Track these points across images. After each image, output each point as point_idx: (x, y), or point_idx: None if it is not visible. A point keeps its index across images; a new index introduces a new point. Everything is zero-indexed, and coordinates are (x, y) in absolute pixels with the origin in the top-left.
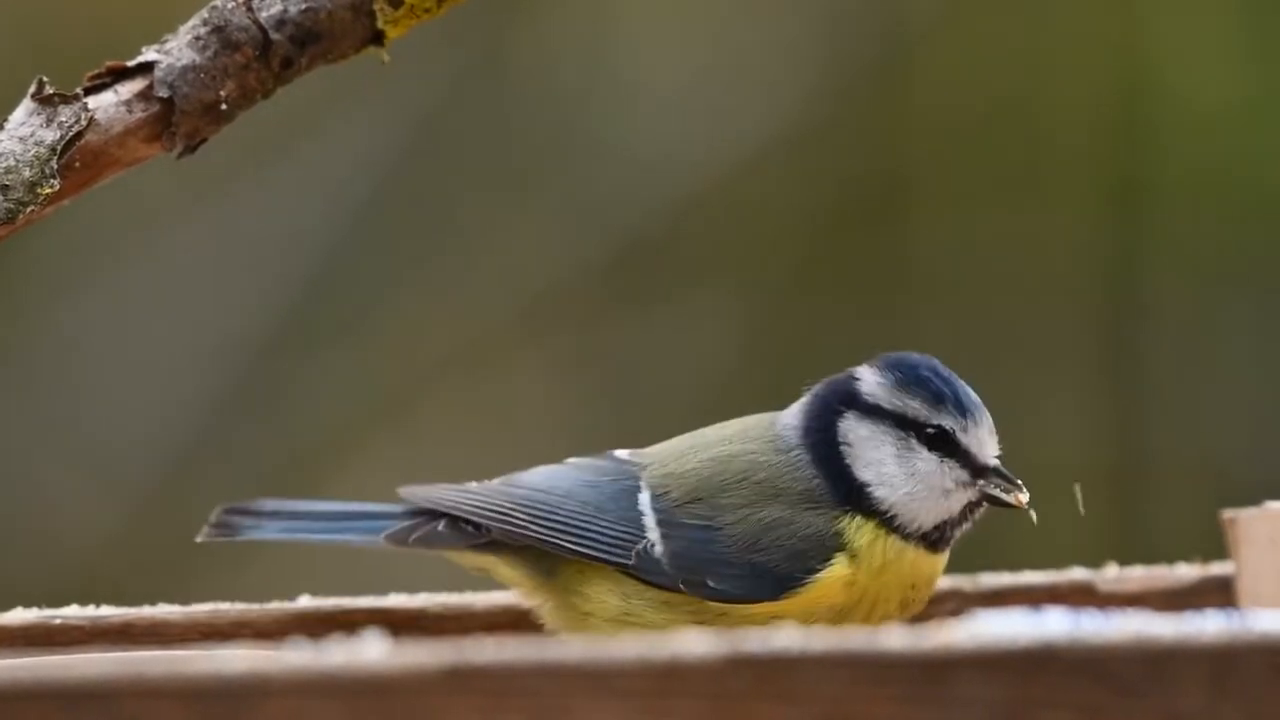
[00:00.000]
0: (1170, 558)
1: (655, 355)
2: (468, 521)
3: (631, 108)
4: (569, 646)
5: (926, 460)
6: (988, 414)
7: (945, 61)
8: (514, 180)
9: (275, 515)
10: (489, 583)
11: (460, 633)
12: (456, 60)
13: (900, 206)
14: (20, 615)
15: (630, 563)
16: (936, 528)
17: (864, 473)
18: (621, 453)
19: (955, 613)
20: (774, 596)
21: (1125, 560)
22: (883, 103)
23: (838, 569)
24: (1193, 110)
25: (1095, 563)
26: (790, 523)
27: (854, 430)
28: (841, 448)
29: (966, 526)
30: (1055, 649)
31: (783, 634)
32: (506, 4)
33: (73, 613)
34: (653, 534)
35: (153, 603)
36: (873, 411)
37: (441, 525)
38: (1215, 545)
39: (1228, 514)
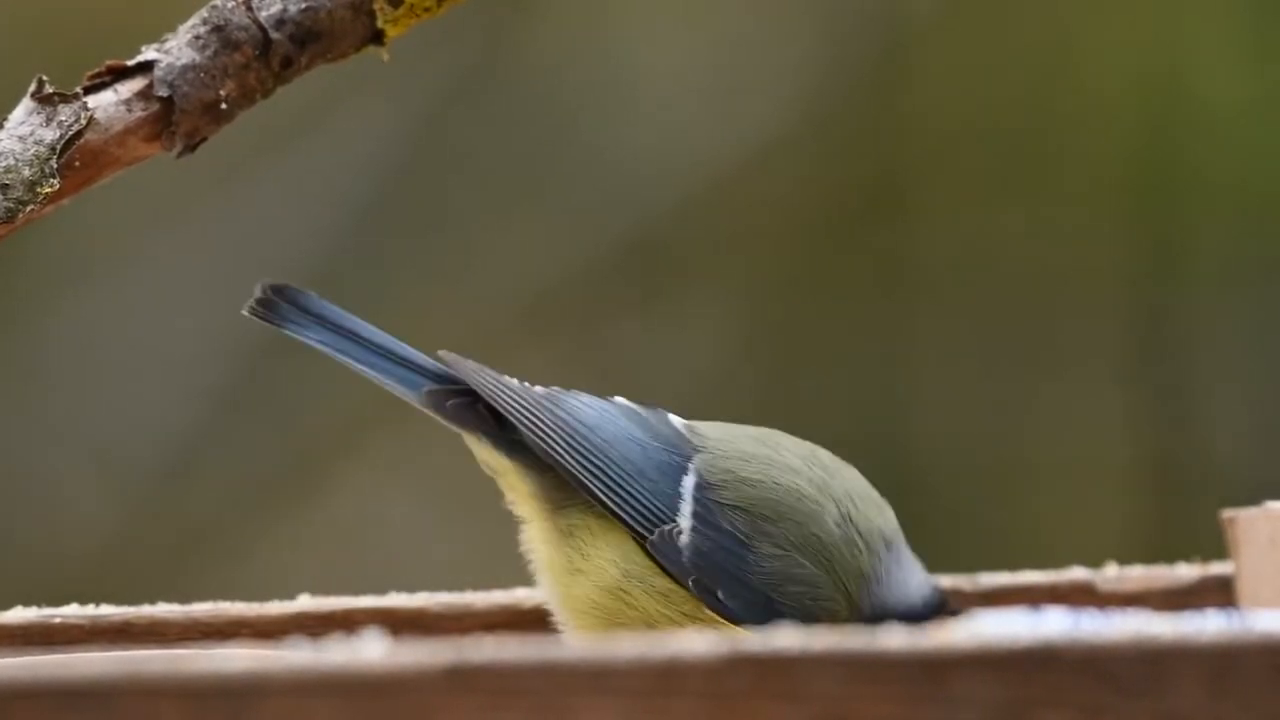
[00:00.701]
0: (1191, 556)
1: (655, 355)
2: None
3: (631, 108)
4: (569, 646)
5: None
6: None
7: (948, 60)
8: (514, 181)
9: (321, 320)
10: (489, 582)
11: (460, 632)
12: (456, 60)
13: (901, 207)
14: (20, 614)
15: (651, 538)
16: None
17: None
18: (677, 421)
19: (955, 612)
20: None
21: (1146, 559)
22: (884, 102)
23: None
24: (1209, 109)
25: (1129, 562)
26: (817, 588)
27: None
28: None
29: None
30: (1055, 649)
31: (783, 634)
32: (506, 4)
33: (72, 612)
34: (684, 521)
35: (152, 602)
36: None
37: (481, 406)
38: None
39: (1227, 514)
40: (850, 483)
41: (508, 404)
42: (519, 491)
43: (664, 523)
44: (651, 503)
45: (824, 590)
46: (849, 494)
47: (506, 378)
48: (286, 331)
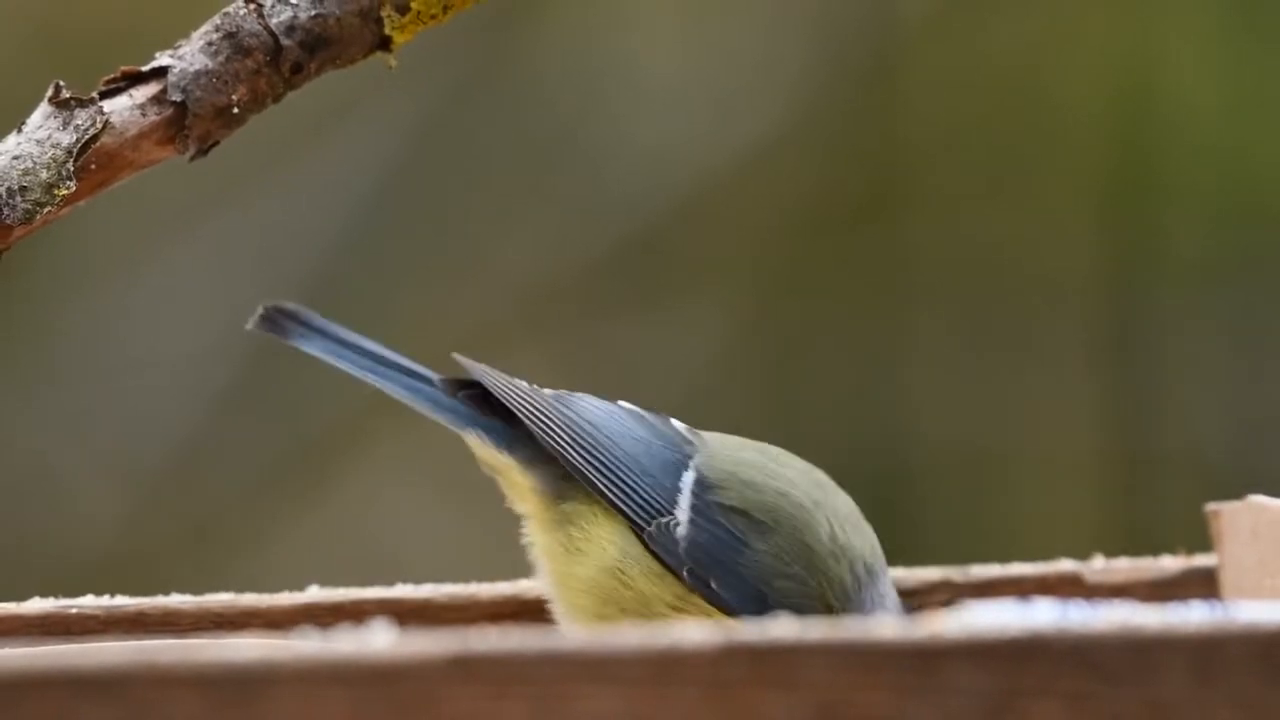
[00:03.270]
0: (1169, 549)
1: (653, 355)
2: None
3: (631, 112)
4: (570, 636)
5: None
6: None
7: (939, 62)
8: (516, 183)
9: (323, 334)
10: (493, 574)
11: (465, 622)
12: (458, 66)
13: (896, 207)
14: (38, 605)
15: (649, 529)
16: None
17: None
18: (678, 424)
19: (946, 603)
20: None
21: (1124, 551)
22: (876, 107)
23: None
24: (1183, 113)
25: (1111, 555)
26: (806, 586)
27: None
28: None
29: None
30: (1044, 638)
31: (778, 624)
32: (507, 11)
33: (88, 602)
34: (682, 515)
35: (166, 593)
36: None
37: (487, 404)
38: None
39: (1211, 507)
40: (841, 505)
41: (518, 401)
42: (520, 487)
43: (662, 515)
44: (651, 496)
45: (811, 591)
46: (839, 514)
47: (516, 380)
48: (291, 343)
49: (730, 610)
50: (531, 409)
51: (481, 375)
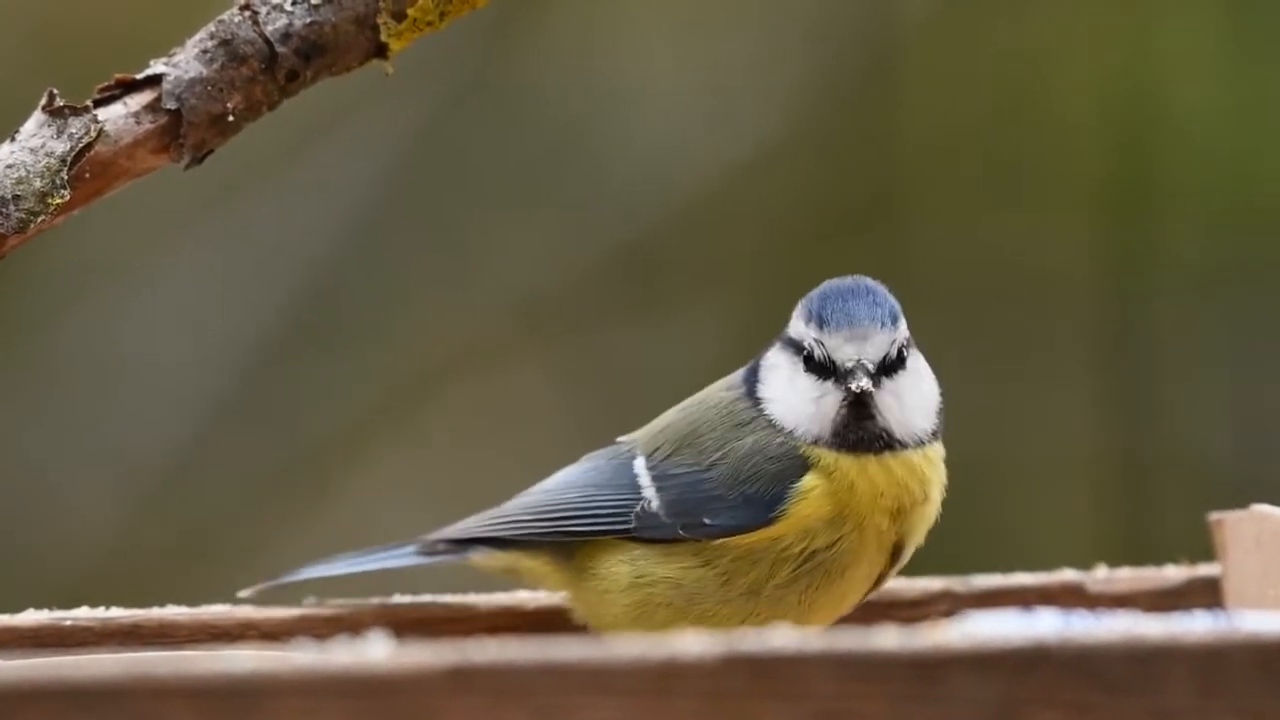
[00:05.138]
0: (1171, 558)
1: (655, 361)
2: (491, 541)
3: (628, 117)
4: (569, 646)
5: (803, 378)
6: (859, 320)
7: (939, 67)
8: (515, 189)
9: (313, 564)
10: (491, 585)
11: (463, 633)
12: (457, 72)
13: (895, 212)
14: (32, 616)
15: (631, 525)
16: (835, 433)
17: (763, 391)
18: (624, 437)
19: (948, 613)
20: (766, 520)
21: (1126, 561)
22: (874, 114)
23: (811, 480)
24: (1182, 116)
25: (1110, 562)
26: (763, 448)
27: (772, 358)
28: (759, 373)
29: (872, 423)
30: (1046, 648)
31: (779, 634)
32: (506, 18)
33: (83, 614)
34: (648, 491)
35: (161, 604)
36: (786, 342)
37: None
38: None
39: (1215, 516)
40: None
41: (480, 525)
42: (534, 570)
43: (634, 505)
44: (616, 501)
45: (767, 444)
46: (730, 376)
47: (487, 511)
48: (286, 579)
49: (731, 530)
50: (493, 522)
51: (454, 530)
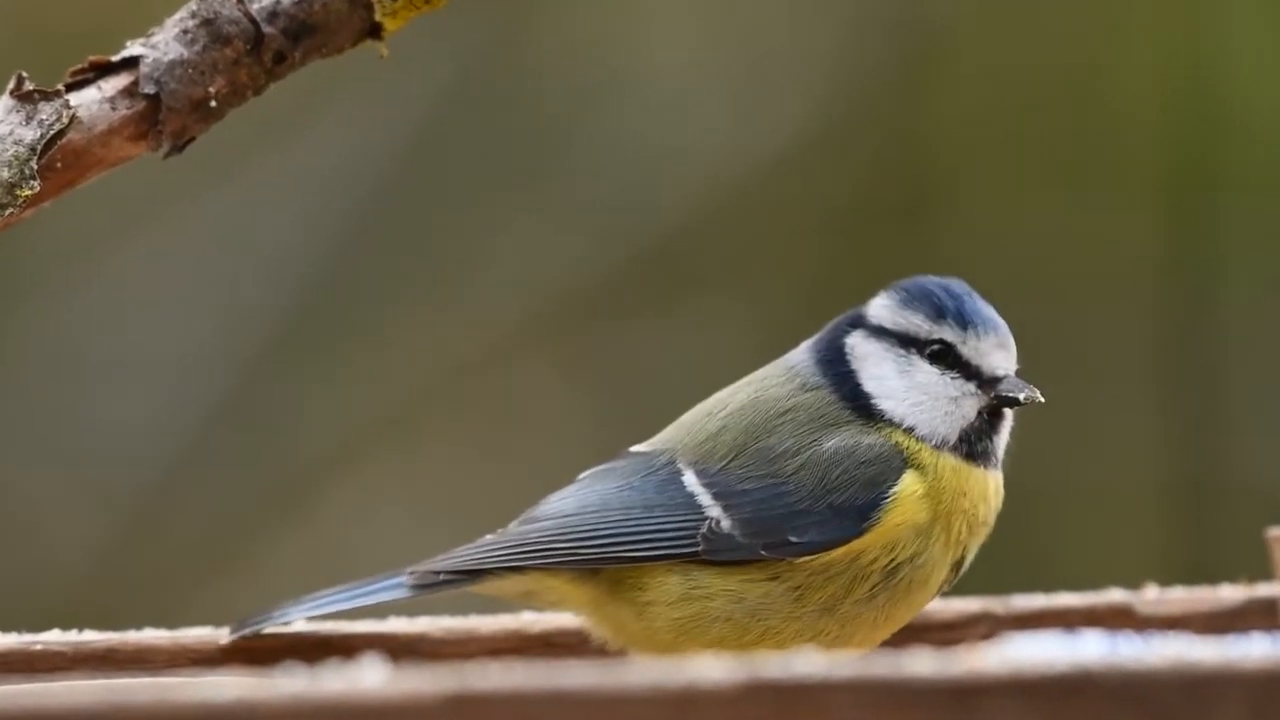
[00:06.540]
0: (1227, 578)
1: (668, 361)
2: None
3: (645, 108)
4: (578, 672)
5: (927, 373)
6: (1003, 328)
7: (975, 60)
8: (522, 183)
9: (296, 603)
10: (493, 606)
11: (463, 658)
12: (460, 57)
13: (933, 203)
14: None
15: (700, 548)
16: (962, 439)
17: (869, 384)
18: (638, 447)
19: (986, 636)
20: (859, 532)
21: (1180, 582)
22: (914, 96)
23: (911, 483)
24: (1245, 109)
25: (1162, 583)
26: (853, 450)
27: (859, 347)
28: (850, 363)
29: (999, 438)
30: (1091, 675)
31: (804, 659)
32: (516, 2)
33: (54, 638)
34: (713, 511)
35: (138, 626)
36: (877, 331)
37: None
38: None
39: (1271, 532)
40: (769, 366)
41: (496, 560)
42: (555, 589)
43: (699, 525)
44: (675, 521)
45: (858, 445)
46: (777, 366)
47: (482, 539)
48: (272, 623)
49: (822, 546)
50: (513, 553)
51: (452, 561)
